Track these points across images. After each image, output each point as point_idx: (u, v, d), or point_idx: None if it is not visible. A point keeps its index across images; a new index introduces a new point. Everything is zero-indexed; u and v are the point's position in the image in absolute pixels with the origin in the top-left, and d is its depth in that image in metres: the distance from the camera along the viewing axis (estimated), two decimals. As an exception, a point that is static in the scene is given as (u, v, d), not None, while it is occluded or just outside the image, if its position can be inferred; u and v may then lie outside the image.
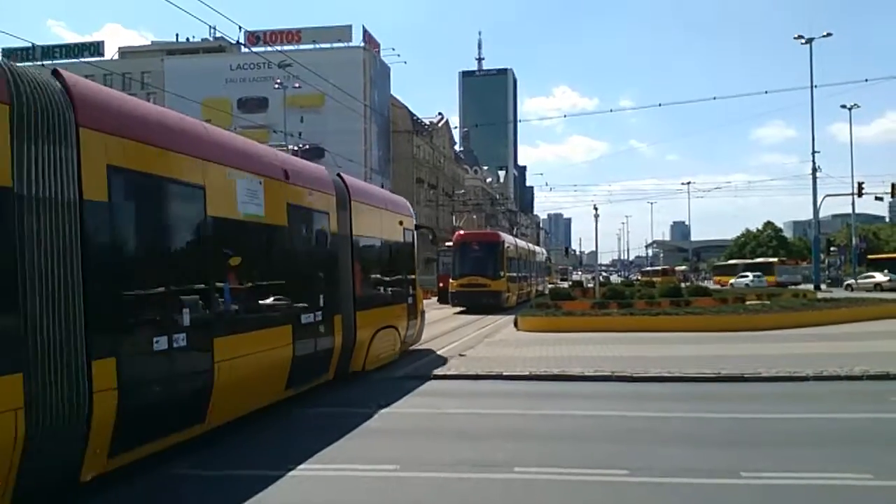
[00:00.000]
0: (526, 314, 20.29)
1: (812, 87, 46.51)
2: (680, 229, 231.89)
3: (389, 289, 13.33)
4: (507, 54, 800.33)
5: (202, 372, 6.93)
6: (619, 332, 17.48)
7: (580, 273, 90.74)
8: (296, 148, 39.30)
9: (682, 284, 35.92)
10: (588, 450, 7.11)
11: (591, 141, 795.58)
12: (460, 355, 14.43)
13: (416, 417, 9.02)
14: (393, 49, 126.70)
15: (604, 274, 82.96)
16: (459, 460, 6.71)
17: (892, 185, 44.99)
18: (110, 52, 68.52)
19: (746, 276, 56.83)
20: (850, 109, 55.81)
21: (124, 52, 72.27)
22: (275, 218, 8.75)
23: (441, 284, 33.67)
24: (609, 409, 9.10)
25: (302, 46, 60.06)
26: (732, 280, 58.18)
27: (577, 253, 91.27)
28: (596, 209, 32.89)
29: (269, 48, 52.11)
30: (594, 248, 44.66)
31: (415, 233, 15.23)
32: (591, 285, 34.28)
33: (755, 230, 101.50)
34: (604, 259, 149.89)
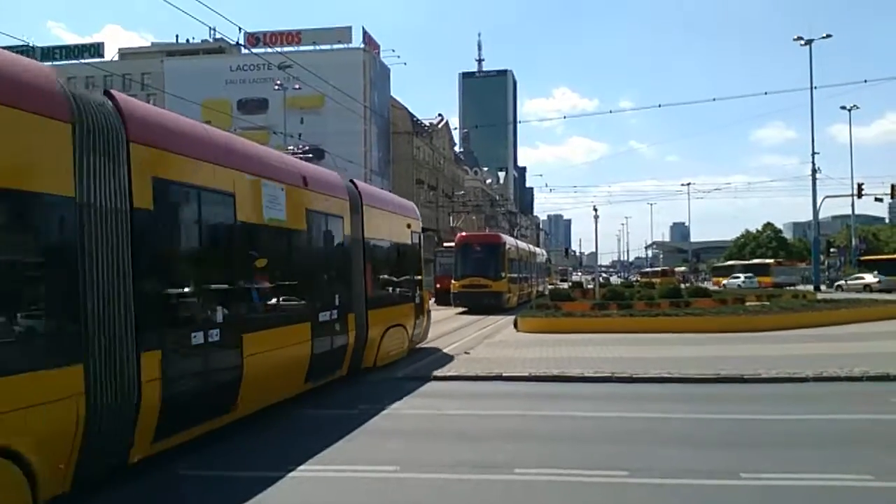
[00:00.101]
0: (526, 315, 20.29)
1: (812, 88, 46.53)
2: (680, 230, 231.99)
3: (398, 289, 13.87)
4: (506, 55, 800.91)
5: (233, 365, 7.48)
6: (618, 333, 17.47)
7: (580, 274, 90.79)
8: (296, 149, 39.26)
9: (682, 285, 35.93)
10: (588, 451, 7.11)
11: (591, 142, 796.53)
12: (465, 353, 14.89)
13: (416, 418, 9.02)
14: (393, 50, 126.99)
15: (603, 275, 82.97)
16: (459, 461, 6.71)
17: (892, 186, 45.02)
18: (110, 54, 68.54)
19: (738, 278, 58.18)
20: (849, 110, 55.97)
21: (124, 54, 72.30)
22: (295, 222, 9.33)
23: (438, 285, 33.64)
24: (609, 411, 9.10)
25: (302, 48, 60.10)
26: (725, 281, 59.24)
27: (577, 254, 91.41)
28: (596, 210, 32.82)
29: (269, 49, 52.05)
30: (594, 250, 44.70)
31: (421, 235, 15.71)
32: (590, 286, 34.27)
33: (755, 231, 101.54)
34: (603, 260, 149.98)
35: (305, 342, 9.28)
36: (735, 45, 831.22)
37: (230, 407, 7.60)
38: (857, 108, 56.16)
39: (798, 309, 21.32)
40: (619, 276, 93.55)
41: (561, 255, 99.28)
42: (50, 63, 51.04)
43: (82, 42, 67.11)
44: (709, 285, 51.78)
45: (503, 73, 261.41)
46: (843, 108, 57.03)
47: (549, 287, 44.46)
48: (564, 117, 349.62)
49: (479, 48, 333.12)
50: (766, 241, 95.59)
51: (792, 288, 43.72)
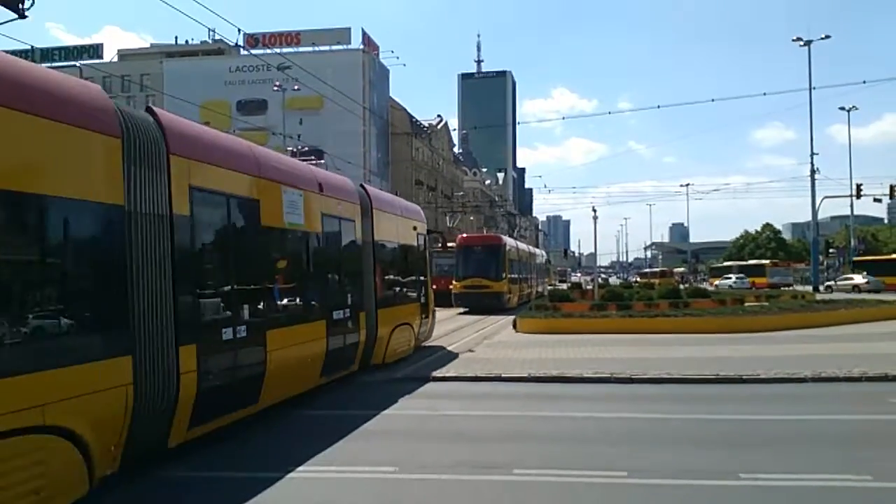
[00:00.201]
0: (525, 316, 20.30)
1: (811, 88, 46.60)
2: (679, 231, 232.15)
3: (405, 289, 14.36)
4: (505, 56, 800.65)
5: (258, 359, 7.99)
6: (617, 334, 17.48)
7: (579, 275, 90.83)
8: (295, 150, 39.27)
9: (681, 286, 35.97)
10: (587, 451, 7.11)
11: (590, 143, 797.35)
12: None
13: (415, 419, 9.01)
14: (392, 51, 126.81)
15: (602, 276, 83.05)
16: (458, 462, 6.71)
17: (891, 186, 45.06)
18: (109, 55, 68.45)
19: (730, 278, 59.55)
20: (848, 111, 56.08)
21: (123, 55, 72.22)
22: (312, 226, 9.92)
23: (434, 286, 33.71)
24: (608, 411, 9.11)
25: (301, 49, 60.13)
26: (717, 282, 60.49)
27: (576, 255, 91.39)
28: (595, 211, 32.90)
29: (268, 50, 52.09)
30: (593, 250, 44.78)
31: (426, 237, 16.28)
32: (589, 287, 34.30)
33: (754, 232, 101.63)
34: (602, 261, 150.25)
35: (321, 339, 9.81)
36: (734, 46, 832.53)
37: (255, 399, 8.11)
38: (856, 108, 56.29)
39: (797, 310, 21.34)
40: (618, 277, 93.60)
41: (560, 255, 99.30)
42: (48, 64, 51.00)
43: (81, 43, 66.95)
44: (707, 286, 52.04)
45: (502, 74, 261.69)
46: (842, 108, 56.98)
47: (549, 288, 44.54)
48: (563, 118, 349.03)
49: (478, 49, 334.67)
50: (765, 242, 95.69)
51: (788, 288, 44.11)
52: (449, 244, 31.65)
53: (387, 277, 13.27)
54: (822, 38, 45.95)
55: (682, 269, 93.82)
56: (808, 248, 59.35)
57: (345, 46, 62.01)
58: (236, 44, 25.62)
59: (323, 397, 10.07)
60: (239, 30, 19.19)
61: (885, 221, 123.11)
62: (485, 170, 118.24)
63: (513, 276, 32.73)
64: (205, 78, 59.95)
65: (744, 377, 10.98)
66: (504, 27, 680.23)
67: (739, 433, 7.87)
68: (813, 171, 47.10)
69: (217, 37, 44.54)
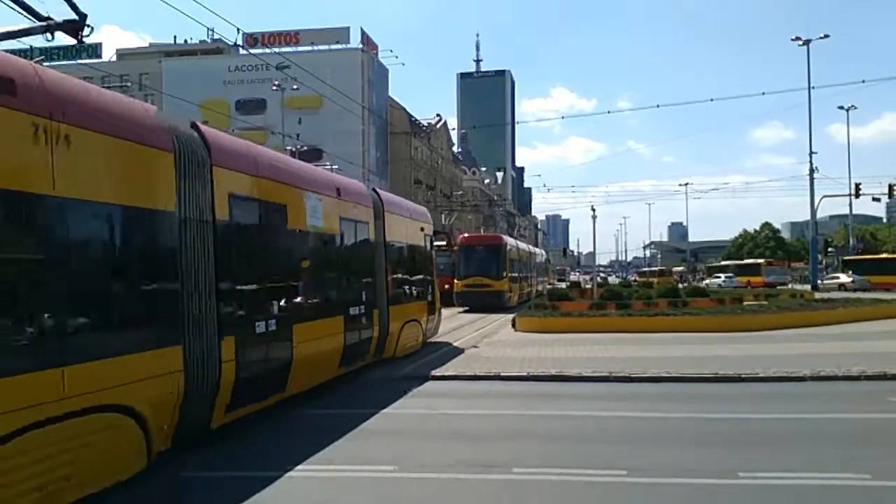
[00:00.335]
0: (524, 315, 20.30)
1: (809, 88, 46.70)
2: (678, 230, 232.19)
3: (414, 287, 15.09)
4: (504, 56, 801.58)
5: (286, 350, 8.70)
6: (616, 333, 17.48)
7: (578, 274, 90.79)
8: (294, 149, 39.25)
9: (680, 285, 36.03)
10: (586, 450, 7.12)
11: (589, 142, 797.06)
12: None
13: (414, 418, 9.02)
14: (391, 51, 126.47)
15: (601, 275, 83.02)
16: (458, 461, 6.71)
17: (889, 185, 45.13)
18: (108, 54, 68.29)
19: (719, 277, 61.58)
20: (847, 111, 56.14)
21: (122, 54, 72.05)
22: (331, 228, 10.68)
23: None
24: (607, 410, 9.11)
25: (300, 48, 60.00)
26: (708, 280, 61.65)
27: (575, 254, 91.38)
28: (594, 210, 32.84)
29: (267, 50, 51.99)
30: (592, 249, 44.87)
31: (433, 238, 17.06)
32: (588, 286, 34.31)
33: (753, 231, 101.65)
34: (602, 260, 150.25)
35: (340, 333, 10.54)
36: (733, 45, 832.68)
37: (283, 387, 8.85)
38: (855, 108, 56.33)
39: (795, 308, 21.35)
40: (617, 276, 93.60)
41: (559, 254, 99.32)
42: (48, 63, 50.77)
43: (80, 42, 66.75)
44: (697, 284, 52.26)
45: (501, 74, 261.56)
46: (841, 108, 57.01)
47: (548, 287, 44.69)
48: (562, 117, 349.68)
49: (477, 48, 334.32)
50: (763, 241, 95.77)
51: (784, 287, 44.53)
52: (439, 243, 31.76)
53: (397, 276, 13.92)
54: (821, 38, 46.04)
55: (680, 269, 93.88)
56: (807, 247, 59.45)
57: (344, 46, 61.89)
58: (235, 43, 25.70)
59: (323, 396, 10.07)
60: (238, 29, 19.15)
61: (884, 220, 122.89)
62: (484, 169, 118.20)
63: (513, 274, 33.04)
64: (204, 77, 59.83)
65: (743, 376, 10.99)
66: (503, 26, 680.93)
67: (738, 432, 7.88)
68: (812, 171, 47.22)
69: (216, 36, 44.59)
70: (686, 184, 79.13)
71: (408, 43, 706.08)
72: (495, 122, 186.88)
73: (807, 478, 5.96)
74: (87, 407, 5.39)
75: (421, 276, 15.56)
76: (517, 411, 9.24)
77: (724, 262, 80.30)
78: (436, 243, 18.73)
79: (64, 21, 7.22)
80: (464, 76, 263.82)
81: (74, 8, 7.01)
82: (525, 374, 11.60)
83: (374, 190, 13.72)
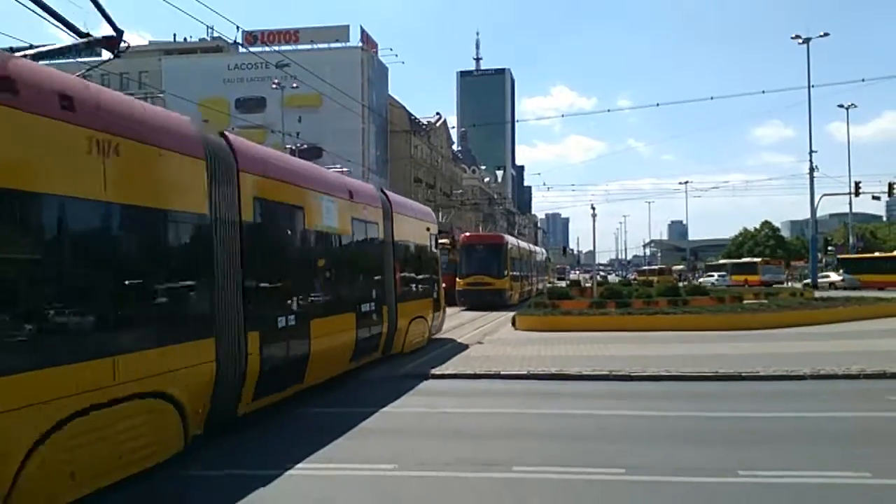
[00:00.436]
0: (524, 313, 20.30)
1: (809, 86, 46.67)
2: (678, 229, 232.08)
3: (420, 285, 15.60)
4: (504, 54, 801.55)
5: (304, 344, 9.17)
6: (616, 332, 17.50)
7: (577, 272, 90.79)
8: (294, 148, 39.23)
9: (680, 284, 36.11)
10: (586, 449, 7.12)
11: (589, 140, 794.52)
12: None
13: (414, 417, 9.02)
14: (391, 49, 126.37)
15: (601, 273, 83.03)
16: (458, 459, 6.72)
17: (889, 184, 45.09)
18: (107, 53, 68.25)
19: (712, 276, 63.26)
20: (847, 109, 56.06)
21: (122, 52, 71.97)
22: (344, 229, 11.17)
23: None
24: (607, 409, 9.11)
25: (300, 46, 59.90)
26: (702, 279, 62.88)
27: (575, 252, 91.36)
28: (593, 209, 32.87)
29: (266, 48, 52.00)
30: (592, 248, 44.90)
31: (437, 237, 17.58)
32: (588, 285, 34.34)
33: (753, 230, 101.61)
34: (601, 258, 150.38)
35: (352, 329, 11.05)
36: (733, 43, 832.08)
37: (301, 378, 9.34)
38: (855, 106, 56.25)
39: (795, 307, 21.38)
40: (616, 275, 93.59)
41: (559, 253, 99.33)
42: (47, 62, 50.76)
43: (79, 42, 66.68)
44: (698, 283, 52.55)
45: (501, 72, 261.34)
46: (841, 106, 56.88)
47: (548, 285, 44.83)
48: (562, 116, 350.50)
49: (477, 47, 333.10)
50: (763, 240, 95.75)
51: (780, 286, 45.08)
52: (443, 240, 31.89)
53: (404, 275, 14.40)
54: (821, 36, 45.97)
55: (680, 267, 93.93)
56: (807, 245, 59.48)
57: (343, 44, 61.82)
58: (235, 41, 25.71)
59: (323, 395, 10.07)
60: (237, 27, 19.29)
61: (884, 219, 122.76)
62: (484, 167, 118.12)
63: (514, 273, 33.35)
64: (203, 75, 59.74)
65: (743, 374, 10.99)
66: (503, 25, 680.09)
67: (738, 430, 7.88)
68: (812, 169, 47.19)
69: (216, 34, 44.66)
70: (686, 182, 79.00)
71: (407, 41, 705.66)
72: (495, 121, 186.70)
73: (807, 476, 5.96)
74: (135, 393, 5.96)
75: (427, 275, 16.05)
76: (517, 410, 9.24)
77: (721, 261, 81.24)
78: (441, 242, 19.20)
79: (102, 37, 7.68)
80: (464, 74, 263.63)
81: (112, 25, 7.41)
82: (525, 372, 11.60)
83: (382, 191, 14.17)
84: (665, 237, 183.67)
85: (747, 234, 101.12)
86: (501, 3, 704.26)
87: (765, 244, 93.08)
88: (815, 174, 47.22)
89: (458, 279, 30.79)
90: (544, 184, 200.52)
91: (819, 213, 52.50)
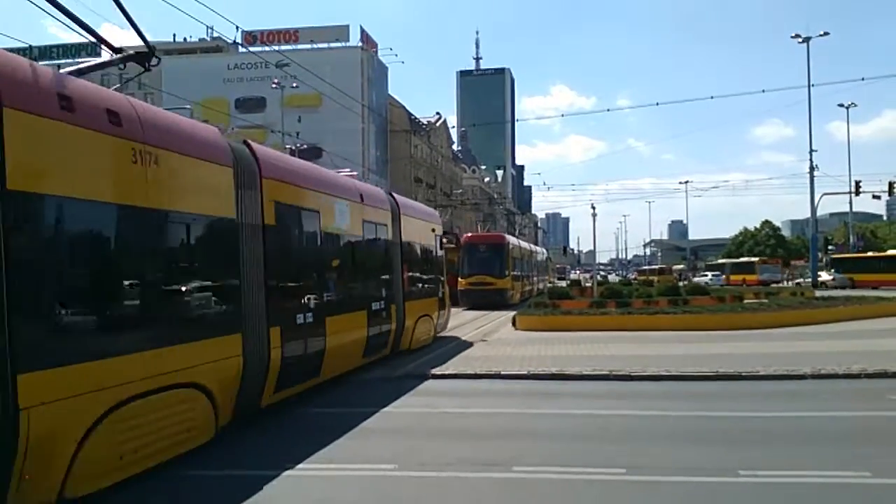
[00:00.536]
0: (524, 313, 20.30)
1: (809, 85, 46.85)
2: (678, 228, 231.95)
3: (426, 285, 16.14)
4: (504, 53, 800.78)
5: (320, 340, 9.64)
6: (617, 331, 17.50)
7: (578, 272, 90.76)
8: (293, 148, 39.20)
9: (680, 283, 36.15)
10: (586, 449, 7.12)
11: (589, 140, 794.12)
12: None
13: (414, 417, 9.02)
14: (391, 49, 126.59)
15: (602, 273, 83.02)
16: (458, 459, 6.71)
17: (890, 183, 45.17)
18: (107, 53, 68.26)
19: (706, 276, 64.40)
20: (847, 108, 56.20)
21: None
22: (355, 231, 11.68)
23: None
24: (607, 408, 9.11)
25: (299, 46, 59.93)
26: (696, 278, 63.82)
27: (575, 252, 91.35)
28: (594, 208, 32.87)
29: (266, 48, 51.99)
30: (592, 248, 44.90)
31: (442, 238, 18.05)
32: (588, 284, 34.35)
33: (753, 229, 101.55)
34: (602, 258, 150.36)
35: (364, 326, 11.59)
36: (733, 43, 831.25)
37: (318, 372, 9.79)
38: (855, 105, 56.40)
39: (796, 306, 21.37)
40: (617, 275, 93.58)
41: (559, 253, 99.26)
42: (47, 62, 50.86)
43: (79, 41, 66.74)
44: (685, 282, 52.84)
45: (501, 72, 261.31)
46: (841, 105, 56.98)
47: (549, 285, 44.90)
48: (562, 115, 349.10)
49: (477, 46, 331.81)
50: (764, 239, 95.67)
51: (777, 285, 45.41)
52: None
53: (411, 274, 14.88)
54: (821, 35, 46.10)
55: (681, 267, 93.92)
56: (808, 244, 59.56)
57: (343, 44, 61.88)
58: (234, 41, 25.75)
59: (323, 395, 10.06)
60: (237, 27, 19.29)
61: (884, 218, 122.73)
62: (484, 167, 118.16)
63: (515, 273, 33.56)
64: (203, 76, 59.76)
65: (743, 374, 10.99)
66: (503, 24, 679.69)
67: (739, 430, 7.87)
68: (812, 168, 47.28)
69: (215, 34, 44.63)
70: (686, 182, 79.08)
71: (407, 41, 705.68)
72: (495, 120, 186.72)
73: (807, 476, 5.95)
74: (173, 383, 6.46)
75: (432, 275, 16.61)
76: (517, 410, 9.24)
77: (720, 261, 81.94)
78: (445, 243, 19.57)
79: (135, 52, 8.09)
80: (463, 74, 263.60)
81: (145, 42, 7.89)
82: (525, 372, 11.60)
83: (390, 194, 14.70)
84: (665, 237, 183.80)
85: (748, 234, 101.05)
86: (501, 3, 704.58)
87: (765, 244, 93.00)
88: (816, 173, 47.41)
89: (459, 279, 30.87)
90: (544, 183, 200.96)
91: (819, 213, 52.74)
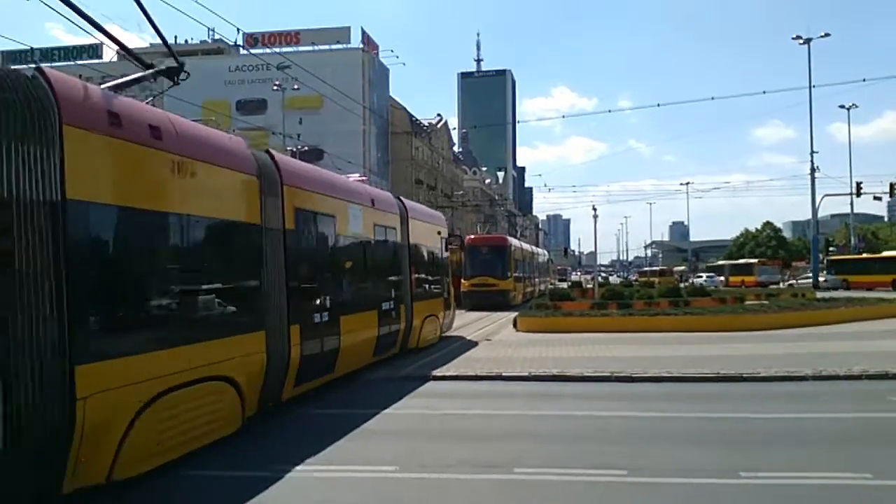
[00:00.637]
0: (525, 315, 20.29)
1: (810, 87, 46.84)
2: (679, 230, 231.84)
3: (433, 286, 16.61)
4: (505, 55, 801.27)
5: (335, 338, 10.12)
6: (618, 333, 17.48)
7: (579, 274, 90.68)
8: (294, 150, 39.20)
9: (681, 285, 36.17)
10: (588, 450, 7.11)
11: (590, 141, 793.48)
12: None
13: (415, 418, 9.02)
14: (391, 51, 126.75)
15: (603, 274, 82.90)
16: (459, 461, 6.71)
17: (891, 184, 45.13)
18: (109, 55, 68.27)
19: (701, 277, 64.89)
20: (848, 109, 56.10)
21: (123, 55, 71.98)
22: (367, 234, 12.19)
23: None
24: (608, 410, 9.11)
25: (300, 48, 60.02)
26: (692, 279, 63.94)
27: (576, 253, 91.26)
28: (595, 210, 32.92)
29: (267, 50, 52.03)
30: (593, 249, 44.91)
31: (447, 240, 18.56)
32: (590, 286, 34.33)
33: (754, 230, 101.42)
34: (603, 259, 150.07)
35: (375, 325, 12.09)
36: (734, 44, 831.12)
37: (332, 369, 10.27)
38: (856, 106, 56.33)
39: (797, 308, 21.32)
40: (618, 276, 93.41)
41: (560, 254, 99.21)
42: (48, 64, 50.82)
43: (80, 43, 66.80)
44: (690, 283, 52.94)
45: (502, 73, 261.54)
46: (842, 106, 56.92)
47: (550, 286, 44.94)
48: (563, 117, 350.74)
49: (478, 48, 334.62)
50: (765, 241, 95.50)
51: (775, 286, 45.67)
52: None
53: (419, 276, 15.37)
54: (822, 37, 46.10)
55: (682, 268, 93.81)
56: (809, 246, 59.55)
57: (344, 46, 61.89)
58: (235, 43, 25.75)
59: (324, 396, 10.07)
60: (238, 29, 19.26)
61: (886, 219, 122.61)
62: (485, 169, 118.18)
63: (518, 274, 33.73)
64: (204, 77, 59.50)
65: (744, 375, 10.98)
66: (504, 26, 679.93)
67: (740, 431, 7.87)
68: (813, 170, 47.28)
69: (216, 36, 44.64)
70: (687, 183, 79.05)
71: (408, 43, 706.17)
72: (496, 122, 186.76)
73: (808, 477, 5.95)
74: (206, 376, 6.97)
75: (438, 276, 17.11)
76: (518, 411, 9.24)
77: (720, 262, 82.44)
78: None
79: (166, 67, 8.60)
80: (464, 76, 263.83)
81: (175, 58, 8.53)
82: (526, 374, 11.60)
83: (399, 198, 15.23)
84: (666, 238, 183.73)
85: (749, 235, 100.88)
86: (502, 5, 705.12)
87: (766, 245, 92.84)
88: (817, 175, 47.41)
89: (462, 280, 30.98)
90: (545, 185, 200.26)
91: (820, 214, 52.63)
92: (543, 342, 15.98)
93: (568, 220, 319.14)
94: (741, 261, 72.99)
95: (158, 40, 8.47)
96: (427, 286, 16.11)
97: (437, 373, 12.04)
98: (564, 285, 47.02)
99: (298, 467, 6.53)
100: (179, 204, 6.83)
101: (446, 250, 18.30)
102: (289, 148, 40.42)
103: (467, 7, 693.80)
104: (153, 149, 6.41)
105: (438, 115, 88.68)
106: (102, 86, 6.76)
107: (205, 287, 7.30)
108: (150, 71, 8.44)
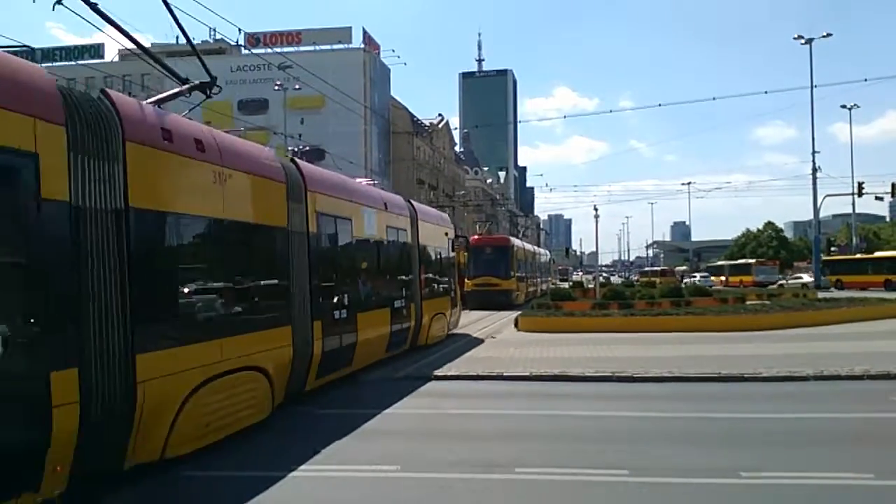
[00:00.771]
0: (527, 314, 20.30)
1: (812, 86, 46.65)
2: (680, 230, 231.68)
3: (440, 285, 17.18)
4: (506, 55, 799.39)
5: (352, 334, 10.79)
6: (619, 333, 17.47)
7: (580, 273, 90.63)
8: (296, 150, 39.23)
9: (682, 284, 36.18)
10: (589, 450, 7.11)
11: (591, 141, 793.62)
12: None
13: (417, 418, 9.03)
14: (393, 50, 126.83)
15: (604, 274, 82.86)
16: (460, 461, 6.72)
17: (893, 184, 45.03)
18: (110, 55, 68.34)
19: (695, 277, 65.54)
20: (850, 109, 56.03)
21: (124, 55, 71.77)
22: (381, 235, 12.85)
23: None
24: (609, 410, 9.11)
25: (302, 48, 60.10)
26: (686, 279, 63.89)
27: (578, 253, 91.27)
28: (596, 210, 32.99)
29: (268, 50, 52.03)
30: (594, 249, 44.74)
31: (454, 241, 19.15)
32: (591, 286, 34.34)
33: (756, 231, 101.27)
34: (604, 259, 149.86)
35: (387, 323, 12.74)
36: (735, 43, 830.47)
37: (350, 363, 10.97)
38: (858, 106, 56.32)
39: (798, 308, 21.29)
40: (619, 276, 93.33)
41: (562, 254, 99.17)
42: (49, 64, 50.97)
43: (82, 43, 66.91)
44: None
45: (503, 73, 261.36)
46: (844, 106, 56.82)
47: (551, 286, 44.94)
48: (564, 117, 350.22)
49: (479, 48, 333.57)
50: (766, 241, 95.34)
51: (773, 286, 45.96)
52: None
53: (427, 275, 15.94)
54: (824, 36, 45.98)
55: (683, 268, 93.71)
56: (811, 246, 59.42)
57: (346, 46, 61.99)
58: (237, 43, 25.60)
59: (325, 396, 10.08)
60: (239, 29, 19.23)
61: (887, 219, 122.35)
62: (486, 168, 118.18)
63: (520, 274, 34.03)
64: (205, 77, 59.80)
65: (745, 375, 10.97)
66: (505, 26, 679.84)
67: (741, 431, 7.87)
68: (815, 170, 47.20)
69: (218, 36, 44.61)
70: (688, 183, 78.92)
71: (410, 43, 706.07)
72: (497, 122, 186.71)
73: (809, 477, 5.95)
74: (243, 366, 7.61)
75: (446, 276, 17.71)
76: (520, 411, 9.25)
77: (718, 263, 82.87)
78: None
79: (199, 82, 9.14)
80: (466, 76, 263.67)
81: (208, 72, 9.16)
82: (528, 373, 11.60)
83: (408, 201, 15.83)
84: (668, 238, 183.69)
85: (750, 235, 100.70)
86: (503, 5, 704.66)
87: (768, 245, 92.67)
88: (818, 175, 47.31)
89: (466, 280, 31.01)
90: (547, 185, 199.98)
91: (822, 214, 52.58)
92: (545, 342, 15.98)
93: (569, 220, 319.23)
94: (740, 261, 73.52)
95: (161, 40, 8.56)
96: (435, 285, 16.62)
97: (438, 372, 12.04)
98: (566, 285, 46.93)
99: (301, 467, 6.54)
100: (220, 210, 7.47)
101: (453, 250, 18.78)
102: (290, 148, 40.48)
103: (468, 7, 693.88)
104: (198, 160, 7.07)
105: (440, 114, 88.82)
106: (145, 101, 7.27)
107: (242, 285, 7.98)
108: (186, 87, 8.91)
